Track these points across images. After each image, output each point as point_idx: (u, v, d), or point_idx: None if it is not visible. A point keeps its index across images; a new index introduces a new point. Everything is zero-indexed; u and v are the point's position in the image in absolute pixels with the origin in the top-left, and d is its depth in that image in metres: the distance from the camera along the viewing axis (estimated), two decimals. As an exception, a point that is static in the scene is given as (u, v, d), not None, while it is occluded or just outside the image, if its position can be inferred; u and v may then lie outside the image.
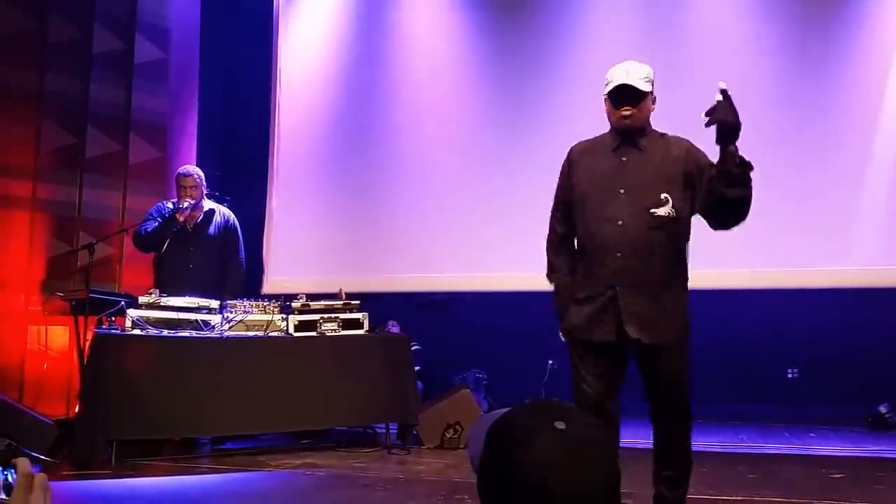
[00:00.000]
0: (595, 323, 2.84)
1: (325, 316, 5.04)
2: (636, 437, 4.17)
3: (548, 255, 3.06)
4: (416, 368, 5.54)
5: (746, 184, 2.66)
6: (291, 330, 4.97)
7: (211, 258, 5.37)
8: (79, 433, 4.35)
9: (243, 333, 4.86)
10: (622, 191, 2.82)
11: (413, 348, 5.51)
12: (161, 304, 4.73)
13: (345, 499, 3.85)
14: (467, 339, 6.71)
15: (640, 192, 2.81)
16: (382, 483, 4.06)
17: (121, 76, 6.35)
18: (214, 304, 4.86)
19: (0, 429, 4.29)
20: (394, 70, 7.02)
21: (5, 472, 0.99)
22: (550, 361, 6.50)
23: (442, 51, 6.92)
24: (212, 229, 5.39)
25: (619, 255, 2.79)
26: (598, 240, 2.85)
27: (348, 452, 4.93)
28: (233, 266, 5.46)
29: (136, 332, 4.62)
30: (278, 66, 7.33)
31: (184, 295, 4.84)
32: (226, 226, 5.45)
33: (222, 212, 5.48)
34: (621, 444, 3.04)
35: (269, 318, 4.92)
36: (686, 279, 2.93)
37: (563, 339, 2.97)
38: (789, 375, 6.33)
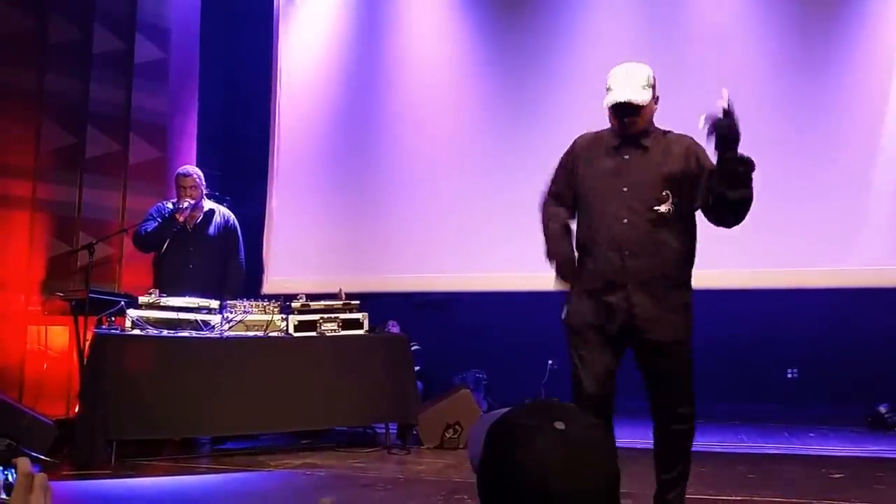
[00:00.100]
0: (599, 316, 2.86)
1: (325, 316, 5.04)
2: (636, 437, 4.18)
3: (542, 212, 3.06)
4: (416, 368, 5.54)
5: (748, 184, 2.66)
6: (291, 330, 4.97)
7: (211, 258, 5.37)
8: (79, 433, 4.35)
9: (243, 333, 4.86)
10: (625, 188, 2.84)
11: (413, 348, 5.51)
12: (161, 304, 4.73)
13: (345, 499, 3.84)
14: (467, 339, 6.71)
15: (642, 189, 2.82)
16: (382, 483, 4.06)
17: (121, 76, 6.35)
18: (214, 304, 4.86)
19: (0, 429, 4.29)
20: (394, 70, 7.02)
21: (6, 472, 0.99)
22: (550, 361, 6.50)
23: (441, 51, 6.92)
24: (212, 229, 5.39)
25: (626, 252, 2.81)
26: (603, 237, 2.86)
27: (348, 452, 4.93)
28: (232, 266, 5.46)
29: (136, 332, 4.62)
30: (278, 66, 7.33)
31: (183, 295, 4.84)
32: (225, 226, 5.45)
33: (222, 212, 5.48)
34: (621, 444, 3.03)
35: (269, 318, 4.92)
36: (690, 279, 2.93)
37: (563, 318, 2.97)
38: (789, 375, 6.33)
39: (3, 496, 0.96)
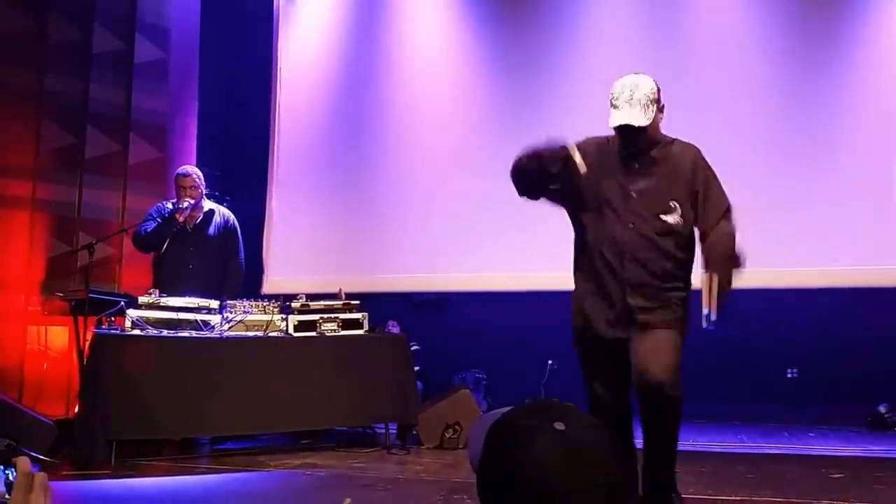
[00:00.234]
0: (604, 321, 2.87)
1: (325, 316, 5.04)
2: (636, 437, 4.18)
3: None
4: (416, 368, 5.54)
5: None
6: (291, 330, 4.97)
7: (210, 258, 5.37)
8: (78, 433, 4.35)
9: (243, 333, 4.86)
10: (633, 194, 2.84)
11: (413, 348, 5.51)
12: (161, 304, 4.73)
13: (344, 499, 3.84)
14: (467, 339, 6.71)
15: (650, 197, 2.83)
16: (382, 483, 4.06)
17: (121, 76, 6.36)
18: (214, 304, 4.86)
19: (0, 429, 4.29)
20: (394, 70, 7.02)
21: (6, 471, 0.99)
22: (550, 361, 6.50)
23: (441, 52, 6.92)
24: (211, 229, 5.39)
25: (627, 256, 2.81)
26: (606, 240, 2.86)
27: (348, 452, 4.93)
28: (232, 266, 5.46)
29: (136, 332, 4.62)
30: (278, 67, 7.33)
31: (183, 295, 4.84)
32: (225, 226, 5.45)
33: (222, 212, 5.48)
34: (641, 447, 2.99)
35: (269, 319, 4.92)
36: (689, 283, 2.94)
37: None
38: (789, 375, 6.33)
39: (5, 494, 0.96)
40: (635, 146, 2.87)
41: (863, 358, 5.93)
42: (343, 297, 5.18)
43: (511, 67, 6.64)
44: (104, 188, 6.21)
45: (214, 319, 4.81)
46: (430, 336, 6.43)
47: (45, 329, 5.78)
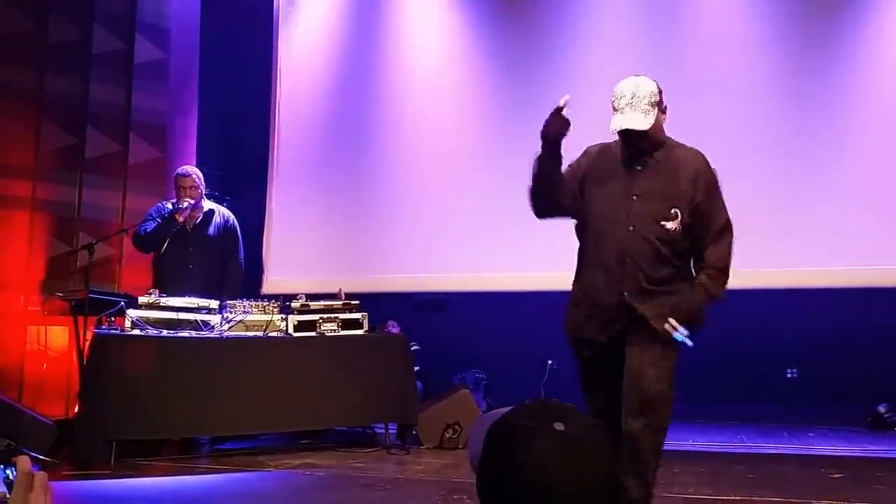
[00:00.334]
0: (598, 326, 2.86)
1: (325, 316, 5.04)
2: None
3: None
4: (416, 368, 5.54)
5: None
6: (291, 330, 4.97)
7: (210, 258, 5.36)
8: (78, 433, 4.35)
9: (243, 334, 4.86)
10: (635, 198, 2.84)
11: (413, 348, 5.51)
12: (160, 304, 4.73)
13: (344, 499, 3.85)
14: (467, 339, 6.71)
15: (652, 201, 2.82)
16: (382, 483, 4.06)
17: (121, 76, 6.36)
18: (214, 304, 4.86)
19: (0, 429, 4.29)
20: (393, 70, 7.02)
21: (6, 471, 0.99)
22: (550, 361, 6.51)
23: (440, 52, 6.92)
24: (211, 230, 5.39)
25: (628, 260, 2.81)
26: (607, 243, 2.85)
27: (348, 452, 4.93)
28: (232, 266, 5.45)
29: (136, 332, 4.62)
30: (278, 66, 7.33)
31: (183, 295, 4.84)
32: (225, 226, 5.44)
33: (222, 212, 5.48)
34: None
35: (269, 319, 4.92)
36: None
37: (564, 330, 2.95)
38: (788, 375, 6.33)
39: (5, 492, 0.96)
40: (637, 149, 2.87)
41: (862, 358, 5.94)
42: (343, 297, 5.18)
43: (511, 67, 6.64)
44: (104, 188, 6.21)
45: (214, 319, 4.81)
46: (430, 336, 6.43)
47: (45, 329, 5.78)
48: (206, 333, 4.76)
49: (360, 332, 5.12)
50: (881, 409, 5.82)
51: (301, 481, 4.20)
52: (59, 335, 5.74)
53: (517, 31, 6.68)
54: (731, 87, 6.01)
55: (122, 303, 4.86)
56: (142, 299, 4.74)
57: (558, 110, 2.76)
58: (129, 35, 6.42)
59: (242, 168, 7.49)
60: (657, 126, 2.86)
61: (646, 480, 2.76)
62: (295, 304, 5.06)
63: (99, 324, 4.74)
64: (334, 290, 5.26)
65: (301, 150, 7.23)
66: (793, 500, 3.61)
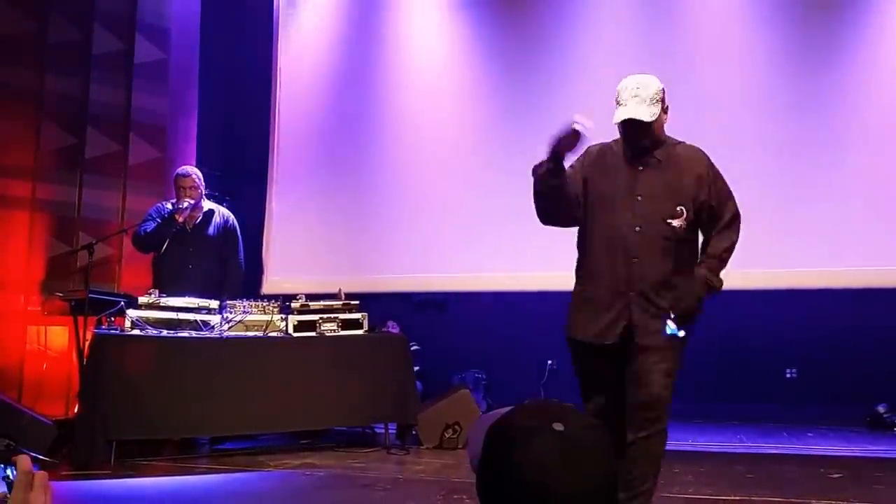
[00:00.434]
0: (601, 328, 2.85)
1: (325, 316, 5.04)
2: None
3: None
4: (416, 368, 5.54)
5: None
6: (291, 330, 4.97)
7: (210, 258, 5.36)
8: (78, 433, 4.35)
9: (243, 334, 4.86)
10: (639, 197, 2.84)
11: (412, 348, 5.51)
12: (160, 304, 4.73)
13: (344, 499, 3.85)
14: (466, 339, 6.71)
15: (656, 200, 2.83)
16: (381, 483, 4.06)
17: (121, 76, 6.36)
18: (214, 304, 4.86)
19: (0, 429, 4.29)
20: (394, 70, 7.02)
21: (6, 470, 0.99)
22: (550, 361, 6.51)
23: (441, 52, 6.92)
24: (211, 230, 5.39)
25: (634, 259, 2.81)
26: (612, 243, 2.85)
27: (347, 452, 4.93)
28: (232, 266, 5.45)
29: (136, 332, 4.62)
30: (278, 67, 7.33)
31: (183, 295, 4.84)
32: (225, 226, 5.44)
33: (221, 212, 5.48)
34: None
35: (269, 319, 4.92)
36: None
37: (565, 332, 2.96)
38: (788, 375, 6.33)
39: (5, 493, 0.96)
40: (640, 144, 2.86)
41: (862, 358, 5.94)
42: (343, 297, 5.18)
43: (510, 68, 6.64)
44: (104, 188, 6.21)
45: (214, 319, 4.81)
46: (430, 336, 6.44)
47: (45, 329, 5.78)
48: (205, 333, 4.76)
49: (359, 332, 5.12)
50: (880, 409, 5.83)
51: (301, 481, 4.20)
52: (59, 335, 5.74)
53: (517, 31, 6.68)
54: (733, 88, 6.01)
55: (122, 303, 4.86)
56: (142, 299, 4.74)
57: (575, 131, 2.66)
58: (129, 35, 6.42)
59: (242, 168, 7.49)
60: (659, 124, 2.87)
61: (651, 481, 2.78)
62: (295, 305, 5.06)
63: (99, 324, 4.74)
64: (334, 290, 5.26)
65: (301, 151, 7.23)
66: (792, 500, 3.61)
